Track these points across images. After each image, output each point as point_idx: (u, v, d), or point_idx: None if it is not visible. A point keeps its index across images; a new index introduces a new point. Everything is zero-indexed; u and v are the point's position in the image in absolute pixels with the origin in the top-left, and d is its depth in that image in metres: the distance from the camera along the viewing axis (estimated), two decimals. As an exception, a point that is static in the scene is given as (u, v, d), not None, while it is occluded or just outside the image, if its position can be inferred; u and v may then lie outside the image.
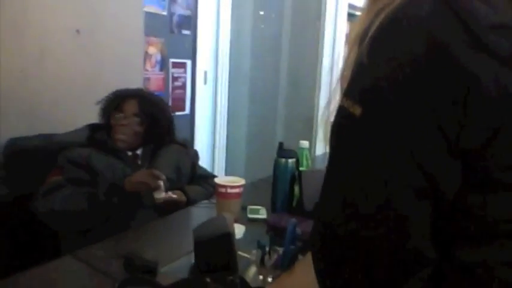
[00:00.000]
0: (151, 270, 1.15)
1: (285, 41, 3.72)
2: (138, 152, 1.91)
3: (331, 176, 0.59)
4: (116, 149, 1.83)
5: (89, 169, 1.74)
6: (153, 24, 2.99)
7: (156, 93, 2.81)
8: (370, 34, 0.55)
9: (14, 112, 2.19)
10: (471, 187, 0.53)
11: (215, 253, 0.96)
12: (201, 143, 3.45)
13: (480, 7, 0.51)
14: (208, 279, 0.90)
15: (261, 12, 3.73)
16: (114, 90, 1.97)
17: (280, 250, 0.99)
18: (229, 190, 1.49)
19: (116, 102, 1.92)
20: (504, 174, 0.52)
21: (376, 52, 0.54)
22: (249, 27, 3.67)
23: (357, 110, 0.54)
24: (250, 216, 1.59)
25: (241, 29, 3.65)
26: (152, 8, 2.99)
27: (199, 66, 3.38)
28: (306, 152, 1.73)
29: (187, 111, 3.37)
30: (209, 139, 3.54)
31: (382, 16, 0.55)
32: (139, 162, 1.89)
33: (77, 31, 2.48)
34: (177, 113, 3.28)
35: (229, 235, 0.96)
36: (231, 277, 0.90)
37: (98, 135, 1.87)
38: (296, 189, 1.60)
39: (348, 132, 0.57)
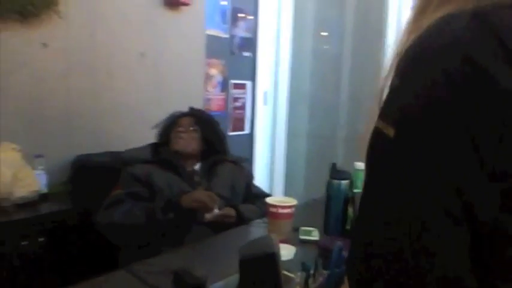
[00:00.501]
0: (200, 287, 1.16)
1: (346, 60, 3.69)
2: (196, 167, 1.96)
3: (366, 200, 0.58)
4: (176, 165, 1.89)
5: (148, 185, 1.81)
6: (215, 47, 3.09)
7: (216, 113, 2.89)
8: (403, 52, 0.55)
9: (83, 130, 2.33)
10: (510, 212, 0.50)
11: (259, 273, 0.97)
12: (260, 163, 3.48)
13: None
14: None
15: (322, 33, 3.74)
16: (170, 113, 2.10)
17: (326, 273, 0.98)
18: (280, 210, 1.48)
19: (172, 120, 2.04)
20: None
21: (409, 71, 0.53)
22: (309, 48, 3.68)
23: (391, 132, 0.52)
24: (301, 237, 1.58)
25: (301, 50, 3.67)
26: (214, 31, 3.08)
27: (259, 86, 3.43)
28: (361, 174, 1.70)
29: (247, 131, 3.43)
30: (268, 158, 3.56)
31: (417, 34, 0.54)
32: (196, 178, 1.93)
33: (142, 54, 2.61)
34: (237, 133, 3.34)
35: (273, 255, 0.96)
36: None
37: (162, 150, 1.96)
38: (350, 211, 1.57)
39: (381, 154, 0.55)
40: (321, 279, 0.99)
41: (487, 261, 0.52)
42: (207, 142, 2.01)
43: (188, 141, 1.96)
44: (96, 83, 2.39)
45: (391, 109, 0.56)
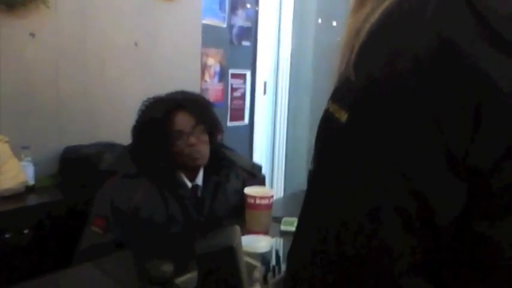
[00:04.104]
0: (166, 281, 1.13)
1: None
2: (199, 182, 1.67)
3: (313, 186, 0.52)
4: (178, 183, 1.62)
5: (135, 222, 1.53)
6: (213, 36, 3.04)
7: (215, 103, 2.84)
8: (361, 34, 0.49)
9: (72, 121, 2.31)
10: (478, 212, 0.44)
11: (216, 267, 0.93)
12: (260, 153, 3.43)
13: None
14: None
15: (324, 22, 3.66)
16: (144, 105, 1.68)
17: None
18: (258, 201, 1.44)
19: (161, 115, 1.60)
20: None
21: (368, 51, 0.47)
22: (311, 36, 3.61)
23: (343, 116, 0.46)
24: (283, 228, 1.53)
25: (303, 38, 3.60)
26: (211, 21, 3.03)
27: (258, 76, 3.38)
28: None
29: (246, 121, 3.38)
30: (268, 149, 3.51)
31: (375, 16, 0.48)
32: (199, 195, 1.67)
33: (136, 44, 2.57)
34: (236, 123, 3.30)
35: (231, 249, 0.92)
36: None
37: (161, 164, 1.61)
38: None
39: (331, 140, 0.50)
40: (281, 274, 0.94)
41: (452, 266, 0.46)
42: (210, 124, 1.69)
43: (204, 152, 1.64)
44: (87, 74, 2.36)
45: (344, 91, 0.49)
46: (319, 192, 0.50)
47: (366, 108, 0.45)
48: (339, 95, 0.50)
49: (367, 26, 0.48)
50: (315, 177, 0.51)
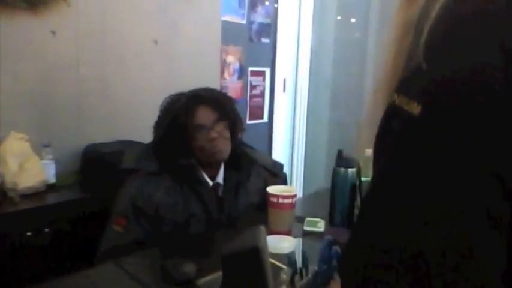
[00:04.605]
0: (188, 282, 1.11)
1: (370, 46, 3.56)
2: (220, 180, 1.65)
3: (380, 192, 0.48)
4: (199, 181, 1.60)
5: (156, 221, 1.53)
6: (232, 33, 3.01)
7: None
8: (427, 29, 0.44)
9: (94, 119, 2.31)
10: None
11: (241, 269, 0.90)
12: (279, 151, 3.40)
13: None
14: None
15: (345, 19, 3.61)
16: (166, 102, 1.68)
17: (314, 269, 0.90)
18: (281, 200, 1.41)
19: (186, 111, 1.60)
20: None
21: (438, 53, 0.44)
22: (331, 33, 3.56)
23: (415, 108, 0.43)
24: (306, 228, 1.50)
25: (323, 36, 3.56)
26: (231, 17, 3.01)
27: (278, 74, 3.35)
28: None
29: (265, 119, 3.35)
30: (287, 147, 3.48)
31: (437, 6, 0.45)
32: (220, 193, 1.65)
33: (155, 41, 2.56)
34: (255, 121, 3.27)
35: (256, 250, 0.89)
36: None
37: (183, 162, 1.59)
38: (358, 201, 1.49)
39: (403, 135, 0.45)
40: (309, 276, 0.91)
41: None
42: (232, 120, 1.67)
43: (225, 148, 1.62)
44: (107, 72, 2.36)
45: (416, 84, 0.45)
46: (395, 192, 0.45)
47: (440, 101, 0.42)
48: (407, 87, 0.46)
49: (432, 16, 0.45)
50: (386, 177, 0.47)
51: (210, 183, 1.62)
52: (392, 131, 0.46)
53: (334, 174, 1.49)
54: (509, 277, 0.40)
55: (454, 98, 0.41)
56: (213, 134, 1.58)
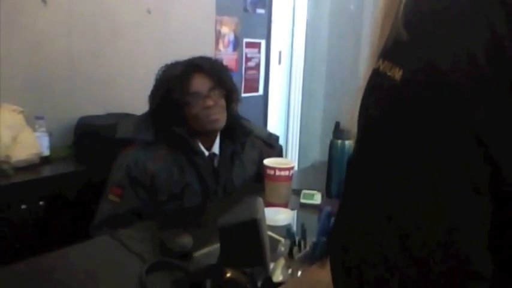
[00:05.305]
0: (185, 255, 1.11)
1: (366, 18, 3.51)
2: (215, 150, 1.64)
3: (364, 165, 0.47)
4: (194, 150, 1.58)
5: (152, 191, 1.53)
6: (227, 3, 2.95)
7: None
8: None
9: (87, 92, 2.27)
10: None
11: (239, 241, 0.89)
12: (275, 124, 3.38)
13: None
14: (226, 269, 0.83)
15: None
16: (162, 70, 1.66)
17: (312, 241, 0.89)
18: (278, 173, 1.40)
19: (182, 79, 1.57)
20: None
21: (420, 31, 0.43)
22: (327, 5, 3.51)
23: (397, 73, 0.43)
24: (302, 201, 1.50)
25: (319, 7, 3.50)
26: (225, -13, 2.95)
27: (273, 46, 3.30)
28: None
29: (260, 92, 3.32)
30: (283, 120, 3.46)
31: None
32: (215, 164, 1.63)
33: (148, 11, 2.50)
34: (250, 94, 3.24)
35: (254, 222, 0.88)
36: (250, 270, 0.82)
37: (178, 131, 1.57)
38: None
39: (386, 100, 0.45)
40: (307, 248, 0.91)
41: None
42: (226, 89, 1.64)
43: (221, 116, 1.59)
44: (99, 42, 2.31)
45: (396, 48, 0.45)
46: (379, 157, 0.44)
47: (422, 66, 0.41)
48: (391, 53, 0.45)
49: None
50: (370, 140, 0.46)
51: (206, 153, 1.61)
52: (376, 96, 0.46)
53: (332, 147, 1.48)
54: (494, 241, 0.40)
55: (434, 65, 0.41)
56: (209, 102, 1.56)
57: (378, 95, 0.46)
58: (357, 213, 0.46)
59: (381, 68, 0.45)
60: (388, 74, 0.43)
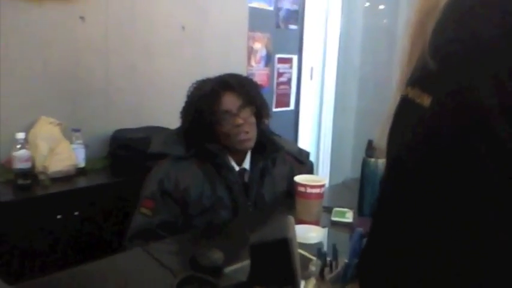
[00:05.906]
0: (215, 270, 1.11)
1: (400, 34, 3.48)
2: (246, 166, 1.65)
3: (395, 190, 0.48)
4: (226, 166, 1.60)
5: (183, 205, 1.54)
6: (259, 20, 2.98)
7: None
8: (431, 27, 0.45)
9: (122, 105, 2.32)
10: None
11: (270, 259, 0.89)
12: (306, 140, 3.37)
13: None
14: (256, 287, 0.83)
15: (374, 5, 3.53)
16: (193, 87, 1.69)
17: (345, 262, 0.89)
18: (309, 190, 1.39)
19: (213, 98, 1.59)
20: None
21: (448, 59, 0.44)
22: (360, 20, 3.50)
23: (426, 100, 0.43)
24: (334, 219, 1.49)
25: (351, 23, 3.49)
26: (258, 4, 2.98)
27: (305, 61, 3.31)
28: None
29: (292, 107, 3.32)
30: (314, 135, 3.45)
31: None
32: (246, 179, 1.64)
33: (183, 27, 2.55)
34: (282, 109, 3.25)
35: (285, 241, 0.88)
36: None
37: (210, 147, 1.59)
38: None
39: (414, 127, 0.45)
40: (338, 268, 0.90)
41: None
42: (257, 107, 1.65)
43: (251, 135, 1.60)
44: (135, 57, 2.37)
45: (424, 76, 0.46)
46: (413, 189, 0.45)
47: (450, 91, 0.42)
48: (419, 80, 0.46)
49: (437, 13, 0.45)
50: (401, 171, 0.47)
51: (237, 168, 1.62)
52: (404, 123, 0.47)
53: (364, 164, 1.47)
54: None
55: (463, 93, 0.41)
56: (239, 120, 1.57)
57: (407, 122, 0.47)
58: (392, 241, 0.46)
59: (410, 95, 0.45)
60: (417, 101, 0.44)
